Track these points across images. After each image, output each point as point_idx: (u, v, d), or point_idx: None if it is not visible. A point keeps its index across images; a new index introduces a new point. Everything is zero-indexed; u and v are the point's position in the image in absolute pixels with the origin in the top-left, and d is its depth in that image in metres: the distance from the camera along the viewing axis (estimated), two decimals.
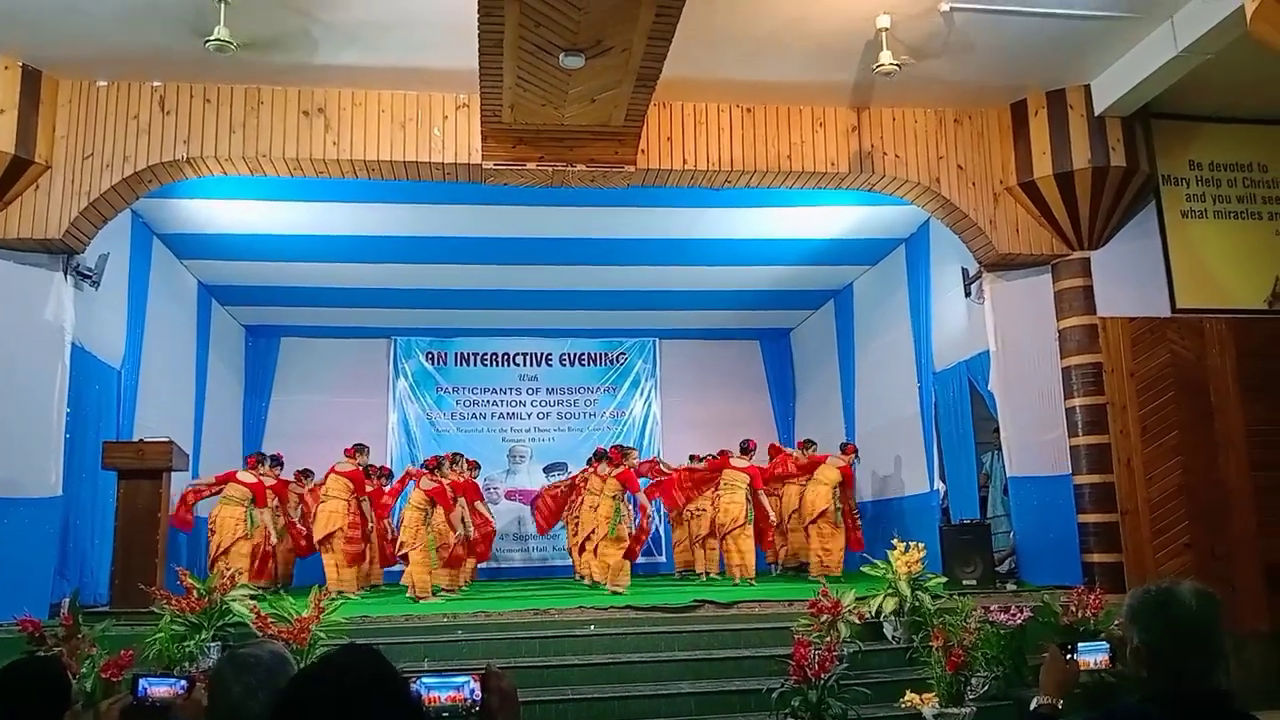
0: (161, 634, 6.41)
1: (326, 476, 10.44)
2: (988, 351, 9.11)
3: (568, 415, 14.78)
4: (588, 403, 14.86)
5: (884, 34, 7.05)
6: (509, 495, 14.25)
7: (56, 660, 3.03)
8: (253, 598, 6.97)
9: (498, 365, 14.80)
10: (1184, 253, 8.77)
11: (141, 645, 6.32)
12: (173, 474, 8.24)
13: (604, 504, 9.94)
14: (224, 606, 6.65)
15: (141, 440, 8.25)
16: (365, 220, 10.30)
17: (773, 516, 10.77)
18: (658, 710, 6.45)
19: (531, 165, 7.92)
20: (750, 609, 7.87)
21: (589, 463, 11.18)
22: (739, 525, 10.35)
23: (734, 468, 10.66)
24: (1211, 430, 8.44)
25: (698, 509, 11.44)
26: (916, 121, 8.60)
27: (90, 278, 8.32)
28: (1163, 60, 7.41)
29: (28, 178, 7.60)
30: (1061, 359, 8.63)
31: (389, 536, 11.25)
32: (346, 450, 10.48)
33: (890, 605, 7.24)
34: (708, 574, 10.90)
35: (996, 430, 9.31)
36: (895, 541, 7.61)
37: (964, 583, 8.50)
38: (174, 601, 6.60)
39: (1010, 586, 8.50)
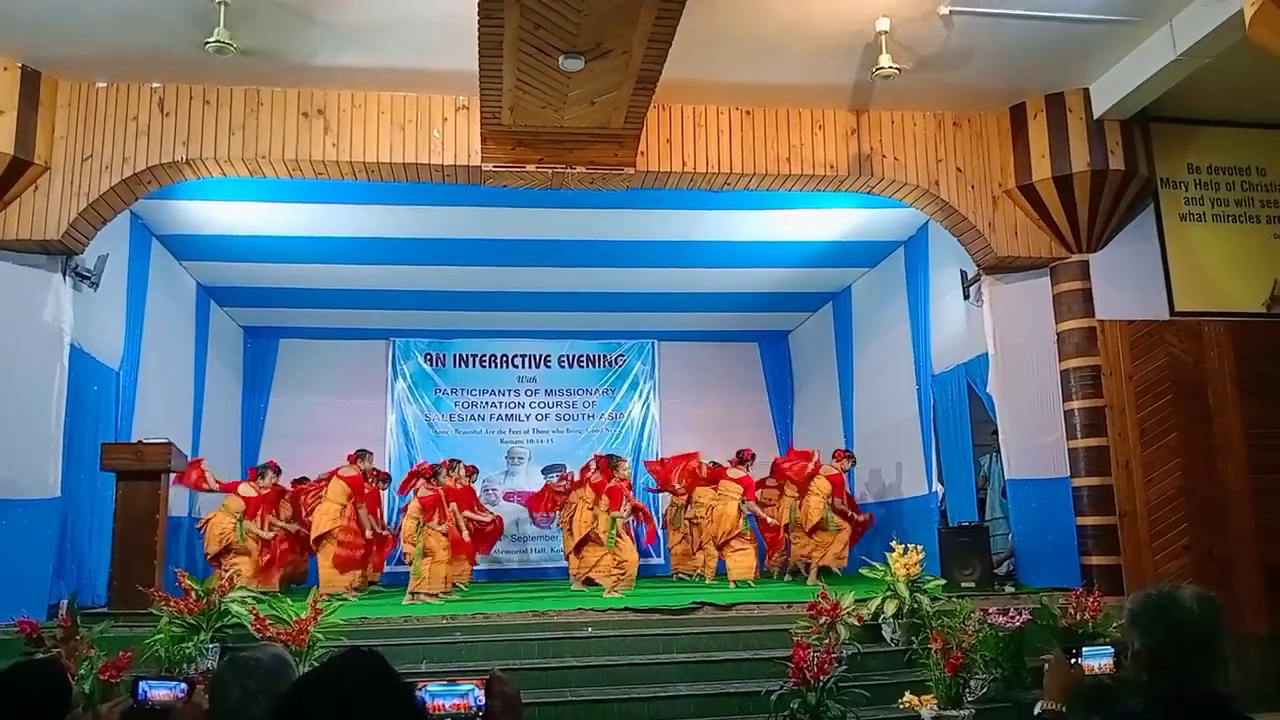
0: (160, 635, 6.41)
1: (329, 478, 10.46)
2: (986, 354, 9.12)
3: (566, 417, 14.77)
4: (586, 404, 14.85)
5: (883, 37, 7.06)
6: (507, 496, 14.24)
7: (57, 663, 3.03)
8: (256, 599, 6.98)
9: (496, 367, 14.79)
10: (1182, 256, 8.79)
11: (140, 647, 6.32)
12: (171, 475, 8.24)
13: (600, 516, 10.03)
14: (222, 608, 6.64)
15: (140, 441, 8.24)
16: (364, 222, 10.29)
17: (770, 521, 10.74)
18: (657, 712, 6.46)
19: (531, 167, 7.92)
20: (749, 611, 7.87)
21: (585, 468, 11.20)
22: (735, 534, 10.38)
23: (729, 478, 10.69)
24: (1210, 433, 8.45)
25: (695, 516, 11.46)
26: (915, 124, 8.61)
27: (89, 279, 8.32)
28: (1161, 64, 7.42)
29: (27, 179, 7.60)
30: (1060, 362, 8.65)
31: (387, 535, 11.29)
32: (349, 455, 10.51)
33: (889, 607, 7.25)
34: (703, 575, 10.90)
35: (995, 432, 9.32)
36: (894, 544, 7.62)
37: (962, 585, 8.50)
38: (172, 603, 6.59)
39: (1009, 589, 8.51)
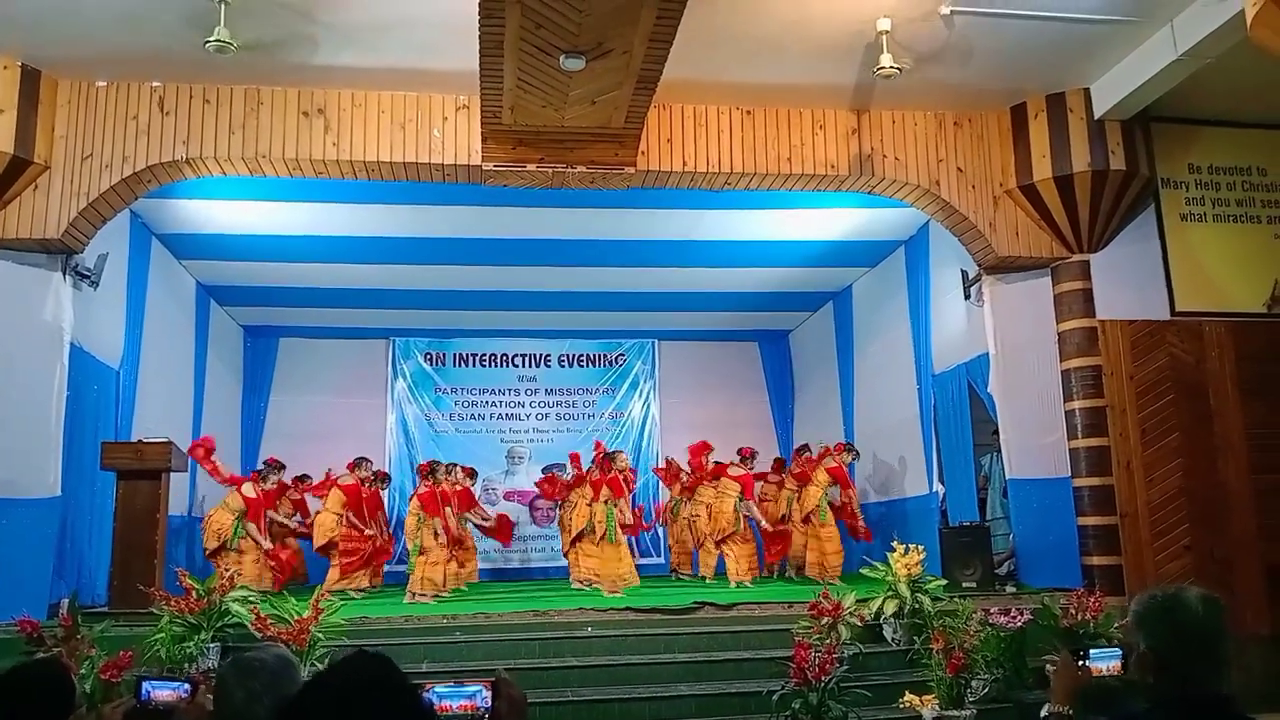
0: (161, 635, 6.40)
1: (329, 485, 10.53)
2: (987, 354, 9.12)
3: (566, 416, 14.76)
4: (586, 404, 14.85)
5: (884, 37, 7.05)
6: (507, 496, 14.24)
7: (61, 664, 3.02)
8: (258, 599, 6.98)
9: (496, 366, 14.78)
10: (1183, 256, 8.79)
11: (141, 646, 6.31)
12: (171, 474, 8.23)
13: (597, 509, 10.03)
14: (223, 607, 6.64)
15: (140, 441, 8.23)
16: (364, 221, 10.29)
17: (764, 523, 10.71)
18: (658, 712, 6.46)
19: (531, 167, 7.92)
20: (750, 611, 7.87)
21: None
22: (731, 532, 10.39)
23: (730, 476, 10.70)
24: (1211, 433, 8.45)
25: (693, 514, 11.46)
26: (916, 124, 8.60)
27: (89, 278, 8.31)
28: (1162, 64, 7.42)
29: (27, 178, 7.59)
30: (1061, 362, 8.65)
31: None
32: (349, 464, 10.56)
33: (890, 607, 7.24)
34: (703, 577, 10.90)
35: (995, 432, 9.32)
36: (895, 544, 7.62)
37: (963, 585, 8.50)
38: (173, 602, 6.59)
39: (1009, 589, 8.51)
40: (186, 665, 6.23)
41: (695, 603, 7.95)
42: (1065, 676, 2.68)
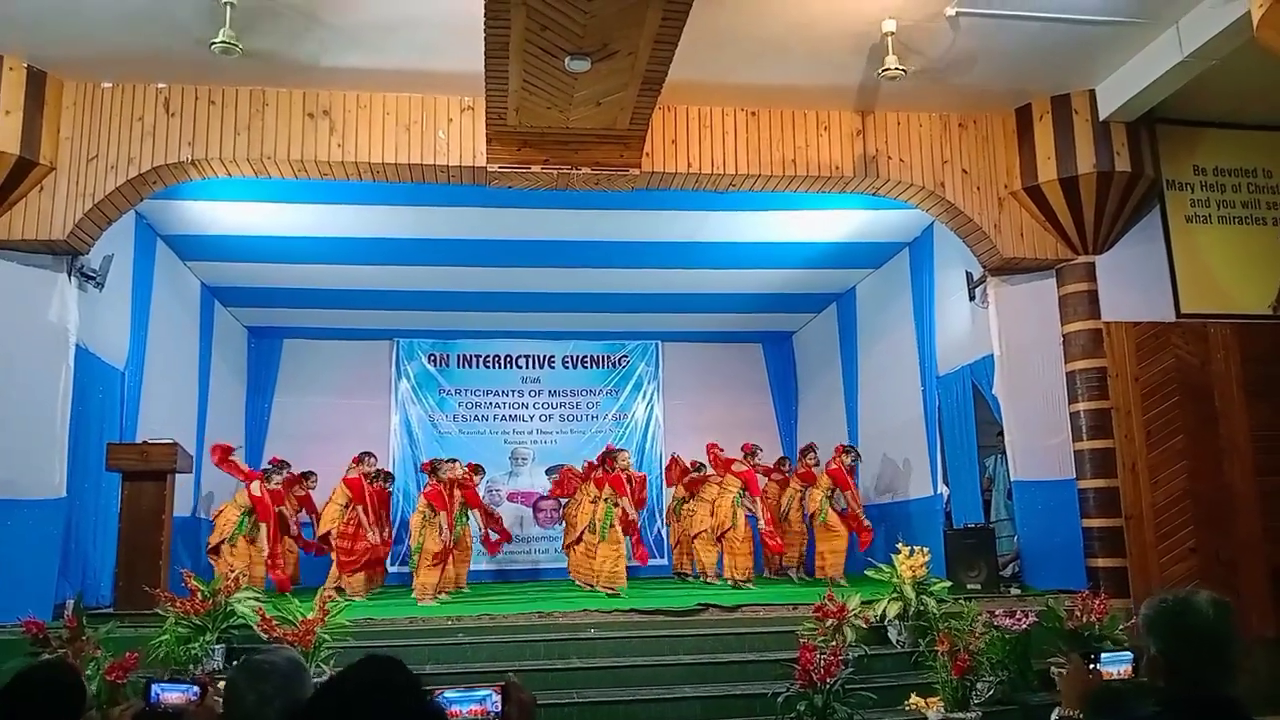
0: (166, 636, 6.41)
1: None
2: (992, 355, 9.12)
3: (570, 418, 14.76)
4: (590, 405, 14.84)
5: (889, 38, 7.04)
6: (511, 497, 14.24)
7: (73, 667, 3.02)
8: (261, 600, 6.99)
9: (500, 367, 14.78)
10: (1189, 258, 8.77)
11: (146, 647, 6.32)
12: (176, 475, 8.24)
13: (600, 505, 10.07)
14: (228, 608, 6.64)
15: (146, 442, 8.24)
16: (369, 222, 10.30)
17: (762, 522, 10.69)
18: (663, 714, 6.46)
19: (536, 168, 7.92)
20: (754, 613, 7.88)
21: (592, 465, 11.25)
22: (728, 529, 10.41)
23: (733, 472, 10.72)
24: (1216, 435, 8.44)
25: (689, 510, 11.50)
26: (921, 126, 8.60)
27: (94, 279, 8.32)
28: (1168, 66, 7.40)
29: (32, 179, 7.60)
30: (1066, 363, 8.64)
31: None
32: (354, 458, 10.57)
33: (895, 609, 7.24)
34: (704, 577, 10.91)
35: (1000, 434, 9.31)
36: (900, 545, 7.61)
37: (968, 587, 8.50)
38: (178, 603, 6.60)
39: (1014, 591, 8.51)
40: (191, 667, 6.23)
41: (699, 604, 7.96)
42: (1076, 680, 2.67)
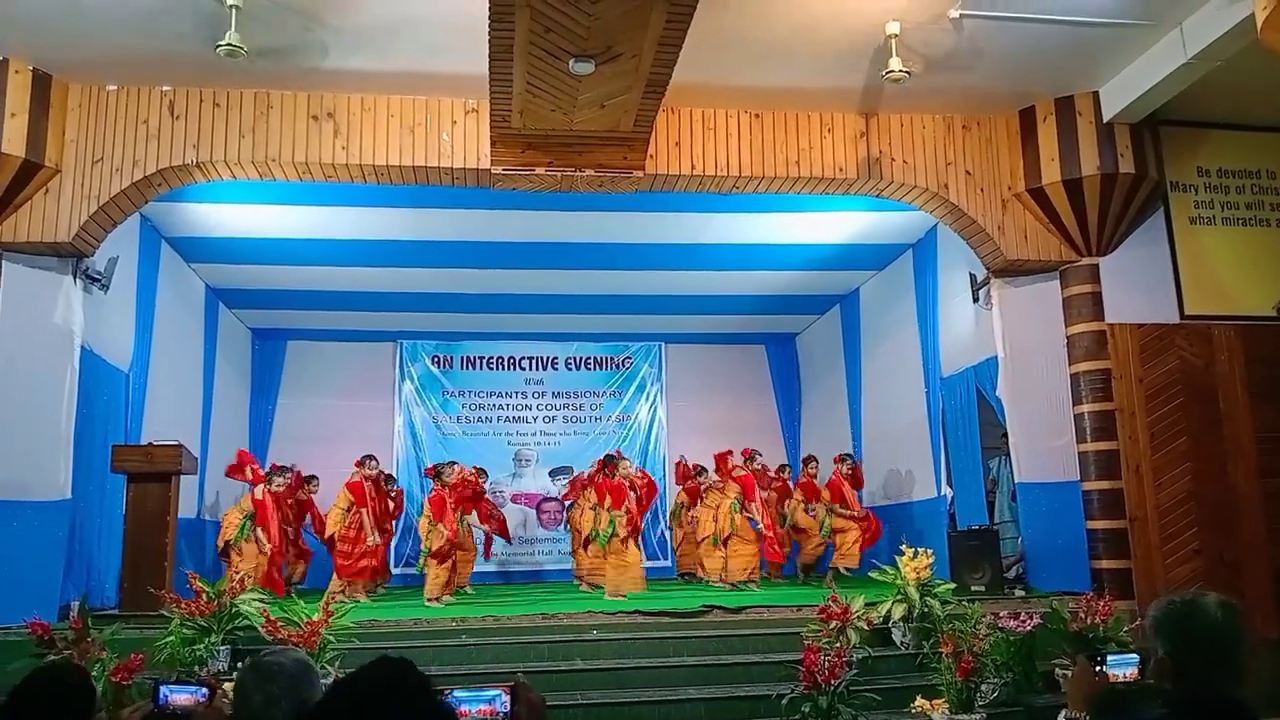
0: (171, 637, 6.42)
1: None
2: (995, 357, 9.11)
3: (573, 419, 14.77)
4: (593, 407, 14.86)
5: (893, 40, 7.04)
6: (514, 499, 14.25)
7: (82, 669, 3.03)
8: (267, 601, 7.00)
9: (504, 369, 14.80)
10: (1192, 259, 8.77)
11: (151, 649, 6.32)
12: (181, 477, 8.25)
13: (600, 515, 10.12)
14: (233, 609, 6.65)
15: (151, 443, 8.26)
16: (373, 224, 10.31)
17: (761, 526, 10.68)
18: (667, 715, 6.45)
19: (540, 170, 7.93)
20: (759, 614, 7.88)
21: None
22: (728, 535, 10.46)
23: (733, 478, 10.76)
24: (1220, 437, 8.43)
25: (692, 516, 11.54)
26: (925, 127, 8.60)
27: (99, 281, 8.34)
28: (1172, 67, 7.39)
29: (38, 181, 7.62)
30: (1070, 365, 8.63)
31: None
32: (355, 461, 10.61)
33: (899, 611, 7.23)
34: (706, 580, 10.94)
35: (1004, 435, 9.31)
36: (904, 547, 7.61)
37: (972, 588, 8.49)
38: (183, 605, 6.61)
39: (1019, 592, 8.50)
40: (197, 668, 6.24)
41: (704, 606, 7.96)
42: (1082, 683, 2.67)
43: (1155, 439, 8.37)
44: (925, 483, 10.74)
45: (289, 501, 11.20)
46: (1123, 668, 2.70)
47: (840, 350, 13.37)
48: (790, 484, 11.97)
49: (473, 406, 14.59)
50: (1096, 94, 8.30)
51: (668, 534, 13.56)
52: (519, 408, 14.71)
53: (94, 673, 5.79)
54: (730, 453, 11.09)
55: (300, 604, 6.95)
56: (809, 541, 11.27)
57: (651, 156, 8.07)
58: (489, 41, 6.19)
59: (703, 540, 10.96)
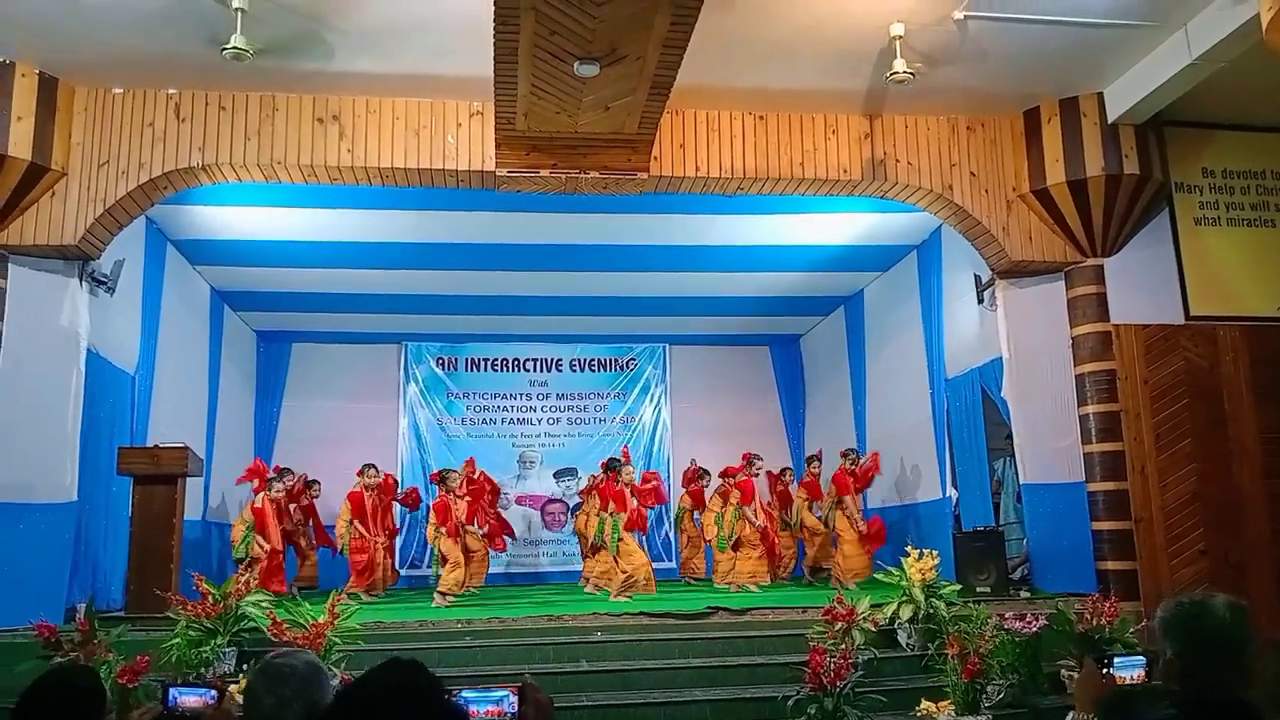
0: (177, 639, 6.42)
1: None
2: (1000, 358, 9.10)
3: (578, 421, 14.79)
4: (598, 408, 14.87)
5: (897, 42, 7.03)
6: (519, 500, 14.26)
7: (92, 671, 3.04)
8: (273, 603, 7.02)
9: (508, 371, 14.82)
10: (1197, 260, 8.75)
11: (157, 651, 6.33)
12: (187, 479, 8.27)
13: (605, 519, 10.17)
14: (239, 611, 6.66)
15: (157, 446, 8.27)
16: (377, 226, 10.33)
17: (755, 527, 10.66)
18: (673, 717, 6.45)
19: (544, 172, 7.94)
20: (764, 616, 7.87)
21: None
22: (735, 538, 10.48)
23: (735, 483, 10.79)
24: (1225, 437, 8.42)
25: (696, 520, 11.58)
26: (929, 129, 8.60)
27: (105, 284, 8.36)
28: (1176, 68, 7.39)
29: (44, 184, 7.64)
30: (1075, 366, 8.62)
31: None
32: (357, 470, 10.68)
33: (905, 612, 7.22)
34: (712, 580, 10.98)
35: (1009, 436, 9.30)
36: (909, 548, 7.60)
37: (978, 590, 8.47)
38: (189, 606, 6.61)
39: (1024, 594, 8.50)
40: (203, 670, 6.25)
41: (709, 608, 7.96)
42: (1089, 685, 2.66)
43: (1160, 440, 8.36)
44: (930, 484, 10.73)
45: (295, 506, 11.26)
46: (1129, 669, 2.69)
47: (845, 352, 13.37)
48: (791, 487, 11.97)
49: (477, 408, 14.61)
50: (1101, 95, 8.30)
51: (672, 536, 13.55)
52: (523, 409, 14.72)
53: (100, 674, 5.81)
54: (742, 467, 11.11)
55: (306, 606, 6.95)
56: (815, 542, 11.27)
57: (656, 158, 8.07)
58: (494, 44, 6.19)
59: (708, 541, 11.00)
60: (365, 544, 10.38)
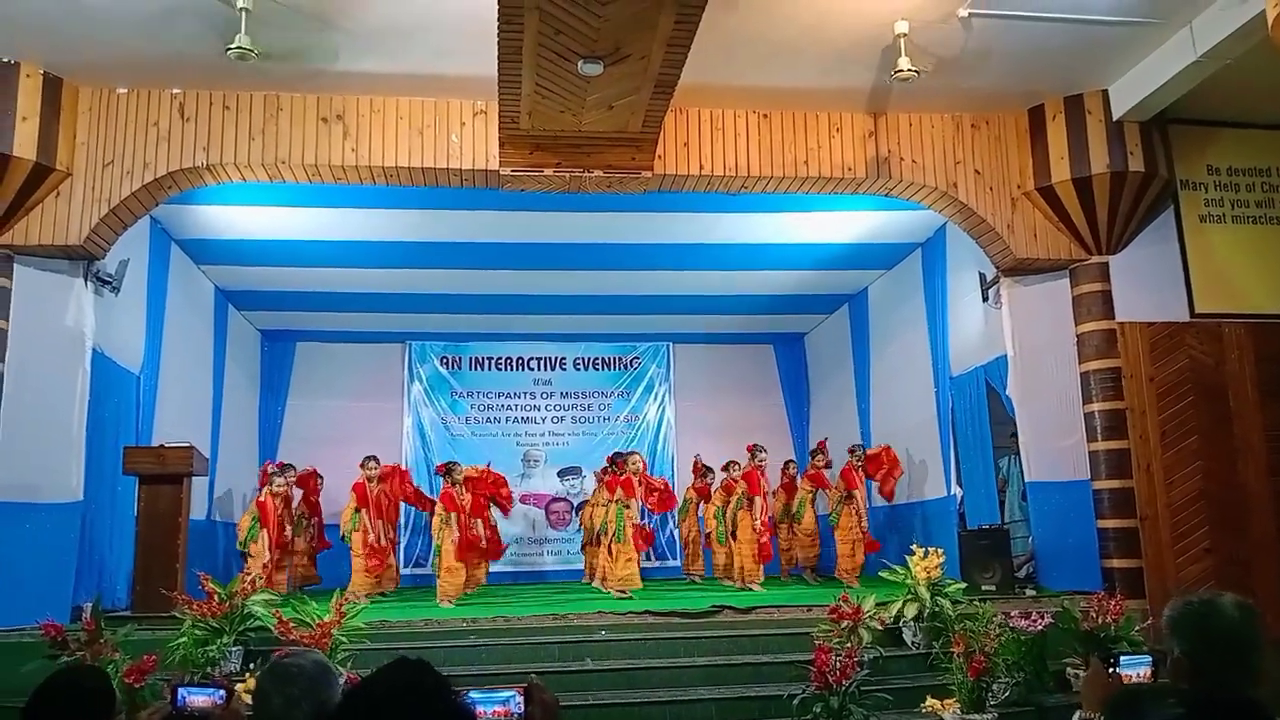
0: (184, 638, 6.43)
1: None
2: (1005, 356, 9.10)
3: (582, 420, 14.78)
4: (602, 407, 14.86)
5: (902, 40, 7.03)
6: (523, 499, 14.25)
7: (101, 671, 3.05)
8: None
9: (512, 370, 14.81)
10: (1202, 257, 8.74)
11: (164, 650, 6.34)
12: (192, 479, 8.28)
13: (610, 508, 10.17)
14: (245, 610, 6.67)
15: (162, 445, 8.28)
16: (381, 226, 10.34)
17: (756, 525, 10.64)
18: (678, 716, 6.45)
19: (548, 171, 7.94)
20: (769, 614, 7.87)
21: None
22: (733, 530, 10.49)
23: (735, 477, 10.82)
24: (1230, 435, 8.41)
25: (700, 514, 11.60)
26: (933, 126, 8.59)
27: (110, 284, 8.38)
28: (1181, 66, 7.38)
29: (49, 184, 7.65)
30: (1080, 364, 8.61)
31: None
32: (359, 464, 10.70)
33: (910, 611, 7.22)
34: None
35: (1013, 434, 9.29)
36: (914, 546, 7.60)
37: (983, 588, 8.48)
38: (195, 606, 6.62)
39: (1029, 592, 8.48)
40: (209, 669, 6.26)
41: (714, 606, 7.96)
42: (1096, 684, 2.66)
43: (1165, 437, 8.35)
44: (935, 482, 10.72)
45: (298, 500, 11.27)
46: (1135, 668, 2.69)
47: (849, 350, 13.36)
48: (795, 479, 11.95)
49: (481, 407, 14.60)
50: (1106, 92, 8.29)
51: (676, 533, 13.56)
52: (527, 408, 14.72)
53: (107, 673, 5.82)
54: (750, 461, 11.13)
55: (311, 605, 6.96)
56: (807, 542, 11.26)
57: (660, 157, 8.07)
58: (498, 43, 6.20)
59: (708, 534, 11.02)
60: (368, 540, 10.33)
